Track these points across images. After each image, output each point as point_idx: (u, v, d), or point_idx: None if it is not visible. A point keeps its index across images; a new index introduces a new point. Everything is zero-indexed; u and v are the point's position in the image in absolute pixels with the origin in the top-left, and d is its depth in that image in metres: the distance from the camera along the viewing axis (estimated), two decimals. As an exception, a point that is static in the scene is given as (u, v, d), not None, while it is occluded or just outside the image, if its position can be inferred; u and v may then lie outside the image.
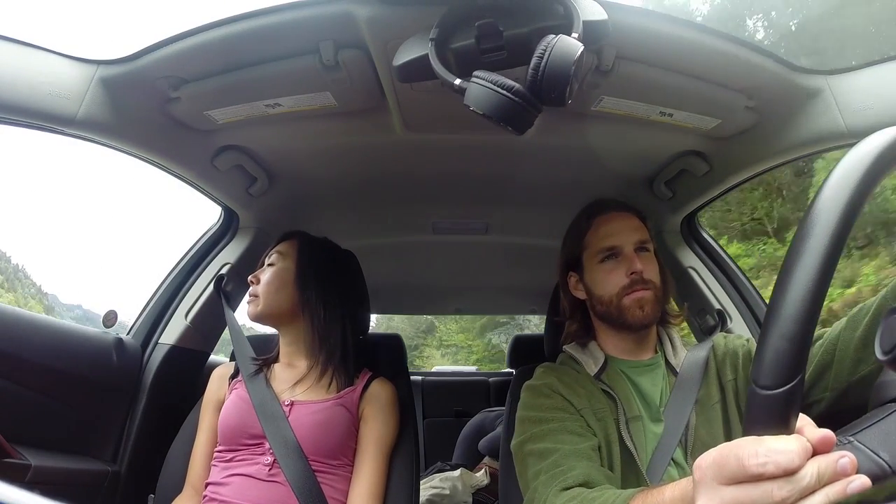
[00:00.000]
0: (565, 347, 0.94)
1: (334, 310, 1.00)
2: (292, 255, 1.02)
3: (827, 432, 0.33)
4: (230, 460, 0.90)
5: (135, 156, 0.95)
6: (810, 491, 0.31)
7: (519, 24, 0.63)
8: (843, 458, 0.32)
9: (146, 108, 0.86)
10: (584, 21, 0.61)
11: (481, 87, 0.58)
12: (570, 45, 0.56)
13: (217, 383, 1.02)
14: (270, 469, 0.87)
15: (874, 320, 0.62)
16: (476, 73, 0.59)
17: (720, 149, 1.02)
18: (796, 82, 0.80)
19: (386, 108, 0.89)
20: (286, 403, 0.92)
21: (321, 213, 1.38)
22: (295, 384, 0.96)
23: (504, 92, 0.57)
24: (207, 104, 0.87)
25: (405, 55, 0.65)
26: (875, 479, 0.34)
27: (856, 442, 0.37)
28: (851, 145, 0.36)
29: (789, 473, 0.32)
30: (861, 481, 0.31)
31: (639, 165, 1.14)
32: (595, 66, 0.77)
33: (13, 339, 0.91)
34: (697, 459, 0.37)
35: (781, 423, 0.33)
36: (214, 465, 0.91)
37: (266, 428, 0.88)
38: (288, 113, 0.90)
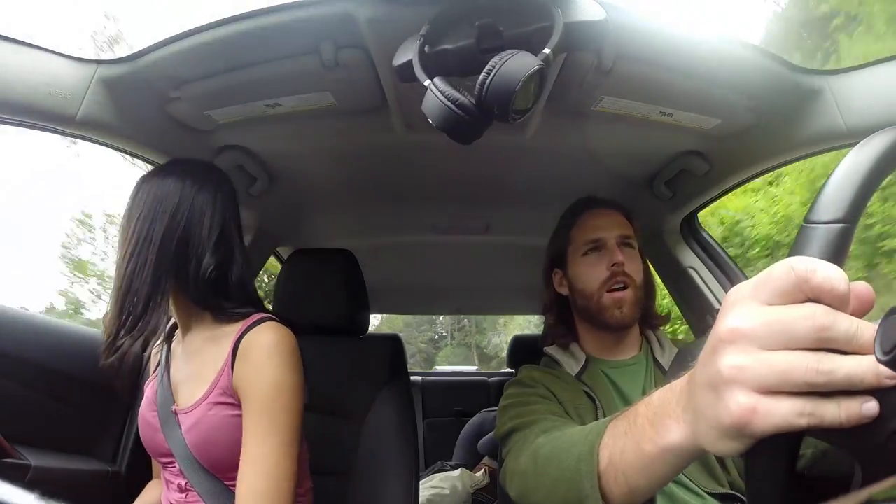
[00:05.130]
0: (546, 349, 0.94)
1: (149, 233, 0.72)
2: None
3: (867, 285, 0.29)
4: (166, 479, 0.79)
5: (135, 155, 0.95)
6: (848, 338, 0.27)
7: (517, 25, 0.63)
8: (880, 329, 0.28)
9: (146, 108, 0.86)
10: (582, 21, 0.61)
11: (433, 94, 0.58)
12: (522, 63, 0.56)
13: (156, 356, 0.86)
14: (186, 495, 0.74)
15: None
16: (435, 79, 0.59)
17: (720, 148, 1.02)
18: (796, 82, 0.80)
19: (386, 108, 0.89)
20: (174, 411, 0.76)
21: (321, 213, 1.38)
22: (177, 377, 0.78)
23: (449, 104, 0.57)
24: (207, 104, 0.87)
25: (405, 55, 0.65)
26: None
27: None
28: (852, 145, 0.36)
29: (835, 294, 0.27)
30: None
31: (639, 165, 1.14)
32: (595, 65, 0.77)
33: (13, 339, 0.91)
34: (732, 289, 0.32)
35: (829, 259, 0.31)
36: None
37: (170, 443, 0.74)
38: (288, 113, 0.90)
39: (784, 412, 0.27)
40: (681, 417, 0.35)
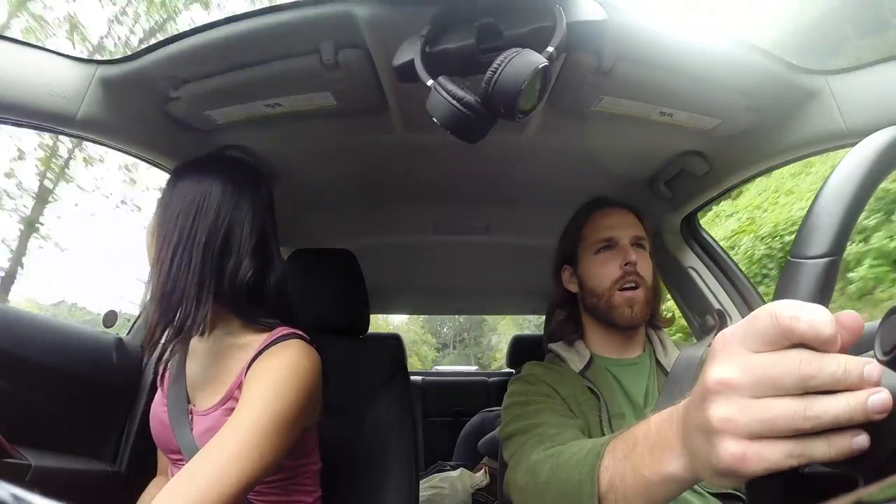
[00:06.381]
0: (551, 346, 0.95)
1: (189, 236, 0.70)
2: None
3: (856, 314, 0.30)
4: (173, 473, 0.78)
5: (135, 155, 0.95)
6: (835, 381, 0.27)
7: (518, 25, 0.63)
8: (870, 364, 0.28)
9: (146, 108, 0.86)
10: (582, 21, 0.61)
11: (438, 94, 0.58)
12: (527, 61, 0.55)
13: None
14: None
15: None
16: (440, 78, 0.59)
17: (720, 149, 1.02)
18: (796, 82, 0.80)
19: (386, 108, 0.89)
20: (189, 411, 0.75)
21: (322, 213, 1.38)
22: (195, 377, 0.78)
23: (455, 103, 0.57)
24: (207, 104, 0.87)
25: (405, 55, 0.65)
26: None
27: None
28: (851, 145, 0.36)
29: (821, 339, 0.27)
30: (883, 396, 0.26)
31: (639, 165, 1.14)
32: (595, 66, 0.77)
33: (13, 339, 0.91)
34: (718, 335, 0.32)
35: (816, 296, 0.31)
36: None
37: (180, 441, 0.73)
38: (288, 113, 0.90)
39: (773, 457, 0.28)
40: (679, 451, 0.35)
